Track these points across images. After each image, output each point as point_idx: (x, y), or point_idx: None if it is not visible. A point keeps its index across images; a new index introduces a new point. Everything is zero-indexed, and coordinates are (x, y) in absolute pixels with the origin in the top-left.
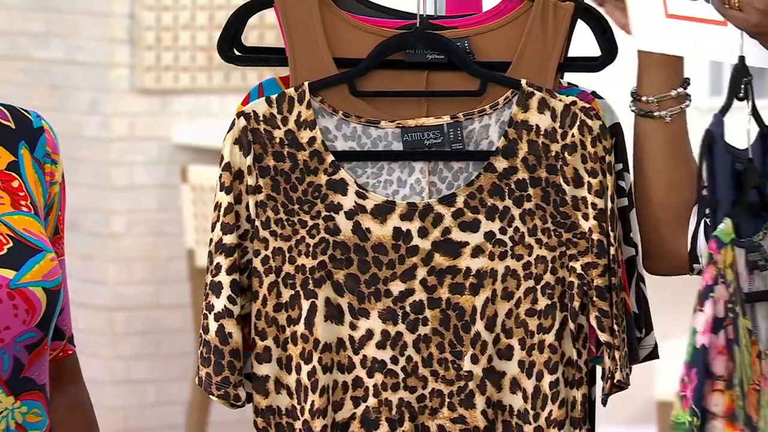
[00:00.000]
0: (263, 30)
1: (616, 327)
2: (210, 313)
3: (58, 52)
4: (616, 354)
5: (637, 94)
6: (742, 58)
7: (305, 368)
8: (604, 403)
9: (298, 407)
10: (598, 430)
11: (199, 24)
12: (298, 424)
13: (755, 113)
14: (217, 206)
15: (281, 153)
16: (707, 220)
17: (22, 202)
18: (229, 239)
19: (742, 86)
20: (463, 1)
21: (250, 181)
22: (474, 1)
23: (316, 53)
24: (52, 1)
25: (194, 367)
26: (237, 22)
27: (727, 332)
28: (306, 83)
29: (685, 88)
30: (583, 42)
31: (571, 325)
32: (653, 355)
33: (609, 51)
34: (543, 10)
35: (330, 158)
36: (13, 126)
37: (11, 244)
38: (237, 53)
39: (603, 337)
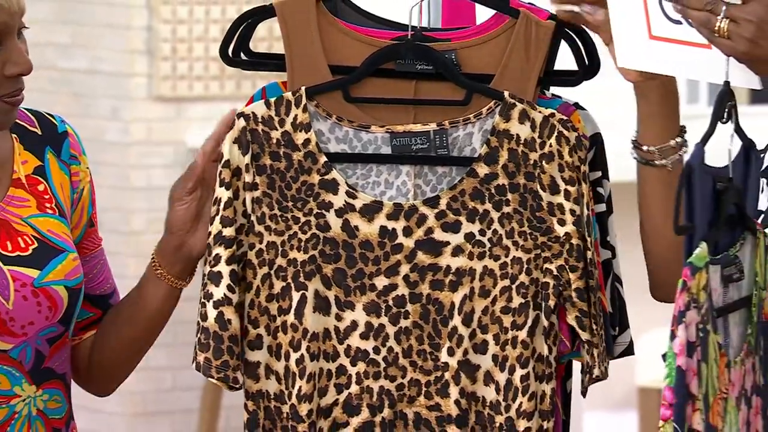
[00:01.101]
0: (272, 41)
1: (594, 326)
2: (209, 301)
3: (81, 62)
4: (595, 351)
5: (638, 143)
6: (727, 84)
7: (294, 356)
8: (584, 394)
9: (286, 392)
10: (581, 415)
11: (211, 36)
12: (285, 408)
13: (740, 132)
14: (217, 201)
15: (277, 153)
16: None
17: (47, 205)
18: (228, 232)
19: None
20: (459, 15)
21: (248, 178)
22: (468, 15)
23: (312, 60)
24: (76, 14)
25: None
26: (237, 27)
27: (697, 353)
28: (303, 88)
29: (682, 136)
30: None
31: (544, 323)
32: (628, 351)
33: (588, 68)
34: (526, 28)
35: (323, 159)
36: (39, 132)
37: (36, 244)
38: (241, 58)
39: (584, 335)
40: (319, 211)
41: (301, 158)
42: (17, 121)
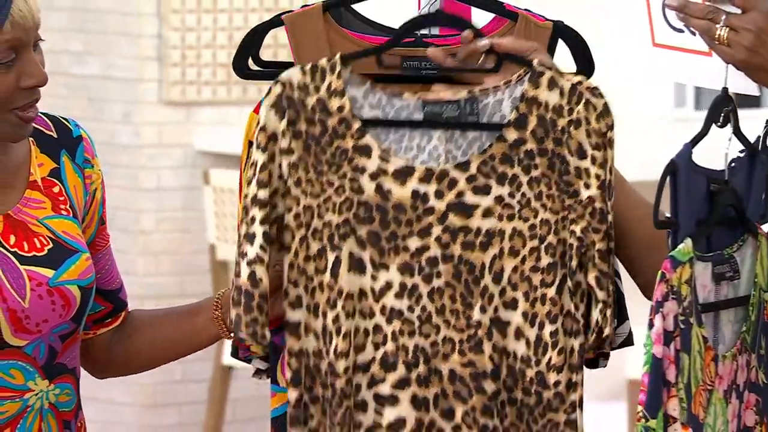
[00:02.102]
0: (277, 49)
1: (610, 287)
2: (243, 260)
3: (94, 68)
4: (608, 311)
5: None
6: (725, 90)
7: (330, 314)
8: (588, 355)
9: (324, 349)
10: None
11: (219, 43)
12: (323, 365)
13: (740, 135)
14: (254, 164)
15: (313, 119)
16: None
17: (62, 206)
18: (263, 194)
19: (722, 114)
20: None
21: (284, 143)
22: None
23: None
24: (90, 23)
25: (216, 349)
26: (249, 41)
27: (676, 343)
28: (338, 55)
29: None
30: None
31: (569, 282)
32: (627, 342)
33: (586, 68)
34: (525, 29)
35: (357, 124)
36: (55, 135)
37: (51, 245)
38: (250, 70)
39: (600, 295)
40: (353, 175)
41: (336, 124)
42: (35, 124)
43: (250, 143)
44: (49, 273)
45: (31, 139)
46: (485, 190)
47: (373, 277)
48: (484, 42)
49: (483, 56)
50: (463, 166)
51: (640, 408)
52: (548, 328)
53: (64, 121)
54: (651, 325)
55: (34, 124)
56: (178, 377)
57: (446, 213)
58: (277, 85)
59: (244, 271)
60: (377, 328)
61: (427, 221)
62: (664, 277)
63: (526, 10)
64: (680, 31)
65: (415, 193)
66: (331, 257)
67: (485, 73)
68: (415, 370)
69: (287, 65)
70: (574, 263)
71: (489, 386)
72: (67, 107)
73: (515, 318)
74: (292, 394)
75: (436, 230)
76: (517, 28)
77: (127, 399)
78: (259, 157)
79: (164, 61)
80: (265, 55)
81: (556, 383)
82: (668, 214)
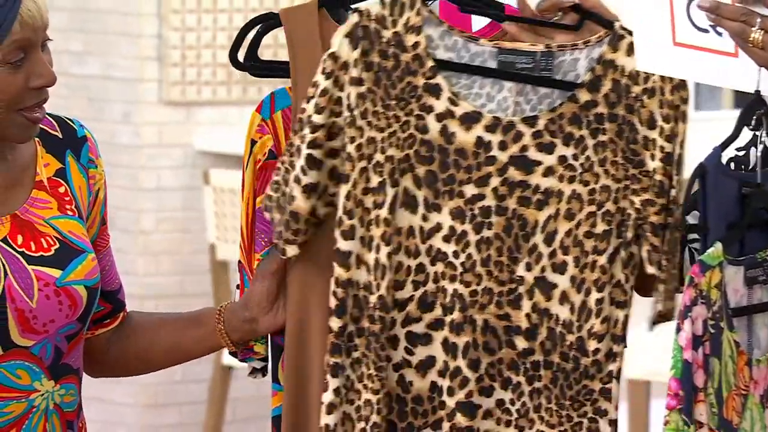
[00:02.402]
0: (277, 49)
1: (665, 262)
2: (288, 174)
3: (95, 68)
4: (661, 286)
5: None
6: (758, 92)
7: (384, 249)
8: (651, 328)
9: (374, 283)
10: None
11: (219, 43)
12: (372, 298)
13: None
14: (315, 85)
15: (386, 52)
16: (690, 247)
17: (68, 207)
18: (318, 118)
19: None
20: (454, 24)
21: (354, 73)
22: (464, 24)
23: (315, 63)
24: (90, 23)
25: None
26: (244, 33)
27: (705, 348)
28: None
29: None
30: None
31: (623, 252)
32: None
33: None
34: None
35: (430, 63)
36: (60, 135)
37: (58, 245)
38: (247, 62)
39: (650, 269)
40: (419, 112)
41: (409, 60)
42: (41, 125)
43: (252, 142)
44: (56, 273)
45: (36, 139)
46: (549, 149)
47: (424, 217)
48: None
49: (562, 13)
50: (531, 121)
51: (667, 412)
52: (594, 296)
53: (68, 121)
54: (679, 330)
55: (41, 125)
56: (178, 377)
57: (507, 165)
58: (355, 15)
59: (294, 189)
60: (420, 267)
61: (487, 170)
62: (693, 281)
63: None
64: (705, 31)
65: (479, 140)
66: (390, 192)
67: (562, 30)
68: (450, 315)
69: (283, 64)
70: (629, 234)
71: (520, 343)
72: (67, 107)
73: (562, 281)
74: (335, 324)
75: (495, 181)
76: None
77: (127, 399)
78: (322, 81)
79: (164, 61)
80: (266, 55)
81: (596, 351)
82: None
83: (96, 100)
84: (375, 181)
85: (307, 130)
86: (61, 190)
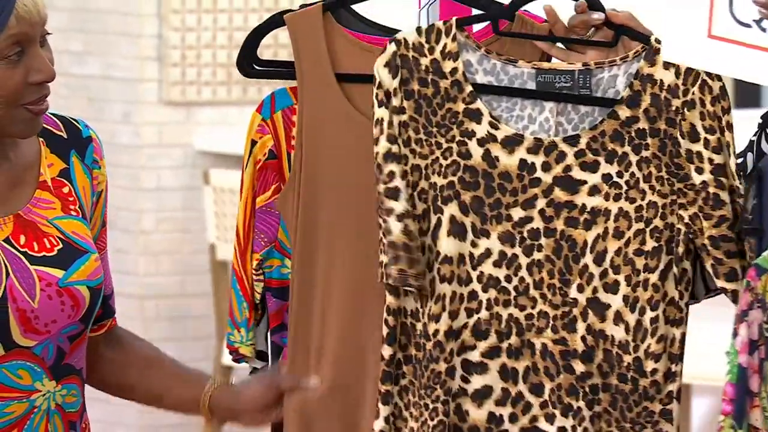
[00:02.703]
0: (277, 49)
1: (735, 273)
2: (390, 216)
3: (95, 68)
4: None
5: None
6: None
7: (427, 276)
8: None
9: (421, 310)
10: None
11: (219, 43)
12: (419, 326)
13: None
14: (379, 121)
15: (425, 79)
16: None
17: (72, 207)
18: (396, 148)
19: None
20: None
21: (395, 102)
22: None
23: (321, 68)
24: (90, 23)
25: (216, 349)
26: (252, 41)
27: (760, 352)
28: (454, 18)
29: None
30: None
31: (675, 269)
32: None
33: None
34: (522, 29)
35: (469, 88)
36: (65, 136)
37: (61, 245)
38: (253, 68)
39: (719, 283)
40: (461, 138)
41: (448, 86)
42: (44, 125)
43: (253, 142)
44: (59, 273)
45: (41, 139)
46: (593, 167)
47: (473, 244)
48: (598, 14)
49: (594, 29)
50: (573, 140)
51: (722, 418)
52: (649, 314)
53: (74, 121)
54: (735, 334)
55: (44, 125)
56: None
57: (552, 186)
58: (392, 44)
59: (395, 226)
60: (472, 295)
61: (533, 192)
62: (749, 285)
63: (525, 11)
64: (747, 26)
65: (522, 163)
66: (433, 219)
67: (598, 47)
68: (506, 341)
69: (287, 65)
70: (680, 249)
71: (578, 366)
72: (67, 107)
73: (615, 301)
74: (386, 351)
75: (541, 203)
76: (513, 28)
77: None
78: (383, 113)
79: (164, 61)
80: (265, 54)
81: (653, 371)
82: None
83: (96, 100)
84: (420, 208)
85: (393, 165)
86: (65, 190)
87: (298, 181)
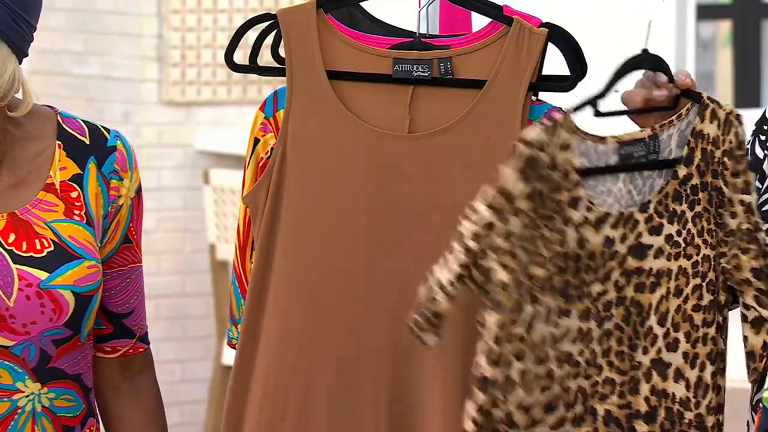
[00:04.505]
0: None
1: None
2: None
3: (95, 68)
4: None
5: None
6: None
7: (517, 365)
8: (753, 378)
9: (500, 397)
10: None
11: (219, 43)
12: (498, 413)
13: None
14: (477, 213)
15: (543, 175)
16: None
17: (76, 212)
18: (473, 245)
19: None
20: (455, 23)
21: (520, 205)
22: (465, 23)
23: (311, 65)
24: (90, 23)
25: (216, 349)
26: (241, 34)
27: None
28: (565, 109)
29: None
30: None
31: (719, 318)
32: None
33: (578, 72)
34: (519, 35)
35: (574, 177)
36: (87, 141)
37: (52, 248)
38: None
39: (764, 312)
40: (561, 227)
41: (559, 177)
42: (68, 129)
43: (256, 140)
44: (42, 275)
45: (58, 142)
46: (659, 230)
47: (556, 324)
48: (662, 92)
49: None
50: (644, 207)
51: None
52: (709, 369)
53: (103, 131)
54: None
55: (68, 129)
56: (178, 377)
57: (626, 256)
58: (526, 148)
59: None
60: (549, 374)
61: (611, 266)
62: None
63: (520, 12)
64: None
65: (606, 240)
66: (529, 311)
67: (663, 112)
68: (572, 410)
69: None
70: (722, 298)
71: (641, 428)
72: (67, 107)
73: (676, 359)
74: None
75: (616, 274)
76: (510, 34)
77: None
78: (486, 214)
79: (164, 61)
80: (264, 54)
81: (713, 426)
82: None
83: (96, 100)
84: (513, 301)
85: (461, 251)
86: (74, 194)
87: (276, 176)
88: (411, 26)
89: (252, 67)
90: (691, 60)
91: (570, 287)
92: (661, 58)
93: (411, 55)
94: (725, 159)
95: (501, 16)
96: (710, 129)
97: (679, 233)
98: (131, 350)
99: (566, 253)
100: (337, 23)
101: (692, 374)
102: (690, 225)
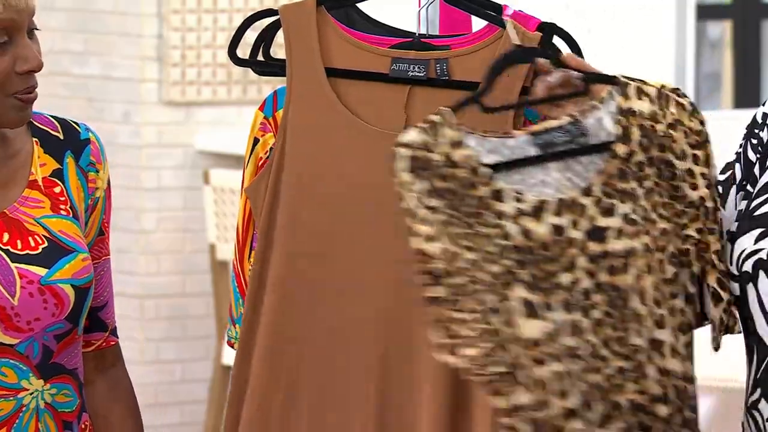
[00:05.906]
0: (275, 48)
1: (729, 284)
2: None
3: (95, 68)
4: (733, 309)
5: None
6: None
7: (538, 369)
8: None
9: (541, 399)
10: None
11: (219, 43)
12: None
13: None
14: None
15: (443, 174)
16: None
17: (62, 207)
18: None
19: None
20: (455, 23)
21: (430, 203)
22: (465, 24)
23: (310, 62)
24: (90, 23)
25: (216, 349)
26: (243, 29)
27: None
28: (445, 108)
29: None
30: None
31: (690, 289)
32: None
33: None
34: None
35: (485, 171)
36: (61, 136)
37: (46, 244)
38: (244, 58)
39: (725, 295)
40: (496, 221)
41: (466, 174)
42: (40, 125)
43: (255, 140)
44: (41, 271)
45: (35, 139)
46: (611, 211)
47: (545, 319)
48: (555, 75)
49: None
50: (587, 191)
51: None
52: (682, 340)
53: (73, 124)
54: None
55: (40, 125)
56: (178, 377)
57: (585, 241)
58: (400, 149)
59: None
60: (557, 375)
61: (572, 253)
62: None
63: (519, 11)
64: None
65: (555, 228)
66: (503, 307)
67: (574, 99)
68: (594, 408)
69: (282, 61)
70: (696, 268)
71: (661, 410)
72: (67, 107)
73: (666, 336)
74: None
75: (581, 261)
76: (504, 36)
77: None
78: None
79: (164, 61)
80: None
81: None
82: None
83: (96, 100)
84: (490, 301)
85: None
86: (57, 190)
87: (275, 170)
88: (411, 26)
89: (254, 62)
90: (691, 60)
91: (537, 280)
92: (534, 49)
93: (409, 55)
94: (671, 132)
95: (494, 18)
96: (641, 105)
97: (634, 211)
98: (104, 343)
99: (516, 246)
100: (337, 21)
101: (681, 347)
102: (643, 201)
